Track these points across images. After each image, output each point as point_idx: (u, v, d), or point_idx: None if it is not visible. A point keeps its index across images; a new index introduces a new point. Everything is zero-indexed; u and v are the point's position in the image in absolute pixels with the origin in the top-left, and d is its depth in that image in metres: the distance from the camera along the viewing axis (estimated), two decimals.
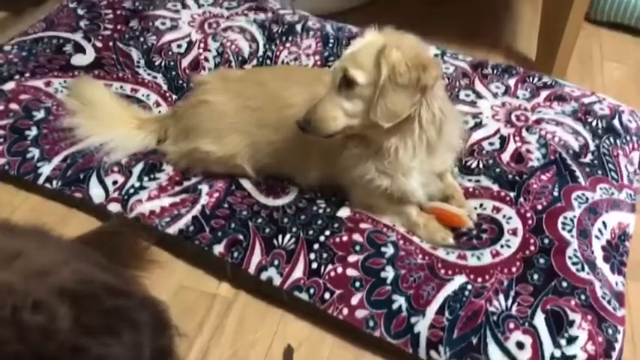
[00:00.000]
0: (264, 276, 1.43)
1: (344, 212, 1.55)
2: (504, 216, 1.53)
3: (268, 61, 2.06)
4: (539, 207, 1.53)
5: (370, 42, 1.38)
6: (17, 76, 1.88)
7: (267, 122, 1.57)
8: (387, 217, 1.54)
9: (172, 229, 1.52)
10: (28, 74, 1.90)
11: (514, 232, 1.48)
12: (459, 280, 1.38)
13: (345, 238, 1.47)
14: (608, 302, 1.34)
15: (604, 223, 1.52)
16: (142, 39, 2.06)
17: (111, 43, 2.03)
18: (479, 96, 1.90)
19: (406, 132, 1.40)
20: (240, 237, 1.49)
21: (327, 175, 1.58)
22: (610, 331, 1.29)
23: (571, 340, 1.27)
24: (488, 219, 1.53)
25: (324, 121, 1.36)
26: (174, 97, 1.95)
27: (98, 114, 1.71)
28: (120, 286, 1.06)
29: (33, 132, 1.74)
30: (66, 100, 1.79)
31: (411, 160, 1.43)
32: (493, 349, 1.26)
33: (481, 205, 1.57)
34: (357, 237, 1.48)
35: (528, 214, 1.51)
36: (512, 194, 1.58)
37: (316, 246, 1.46)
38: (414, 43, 1.38)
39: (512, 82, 1.96)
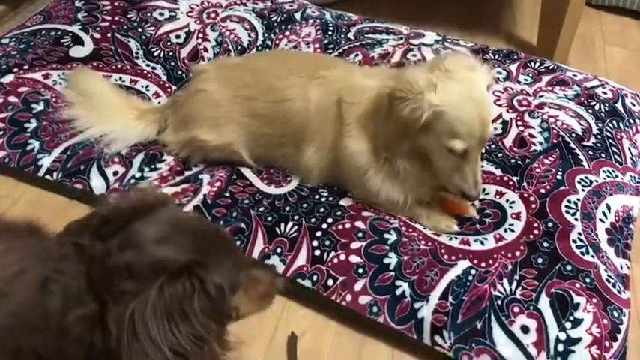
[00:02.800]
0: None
1: (346, 201, 1.54)
2: (507, 200, 1.52)
3: (268, 50, 2.05)
4: (543, 191, 1.52)
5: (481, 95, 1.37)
6: (16, 69, 1.87)
7: (261, 114, 1.56)
8: (389, 210, 1.54)
9: None
10: (26, 66, 1.88)
11: (517, 217, 1.47)
12: (463, 264, 1.37)
13: (347, 226, 1.46)
14: (613, 285, 1.33)
15: (608, 206, 1.51)
16: (140, 30, 2.05)
17: (109, 35, 2.02)
18: None
19: None
20: (243, 226, 1.48)
21: (327, 174, 1.57)
22: (615, 314, 1.28)
23: (576, 322, 1.26)
24: (492, 204, 1.52)
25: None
26: (173, 87, 1.94)
27: (98, 105, 1.70)
28: None
29: (32, 124, 1.73)
30: (65, 92, 1.78)
31: None
32: (498, 333, 1.26)
33: (484, 191, 1.55)
34: (359, 224, 1.47)
35: (532, 199, 1.50)
36: (515, 179, 1.57)
37: (319, 233, 1.45)
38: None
39: (513, 67, 1.95)
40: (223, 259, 0.92)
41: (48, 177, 1.63)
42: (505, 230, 1.44)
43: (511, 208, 1.50)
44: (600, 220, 1.47)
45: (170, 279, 0.82)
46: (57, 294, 0.84)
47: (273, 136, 1.56)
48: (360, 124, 1.46)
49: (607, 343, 1.24)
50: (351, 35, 2.07)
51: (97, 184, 1.61)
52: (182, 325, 0.82)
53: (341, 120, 1.47)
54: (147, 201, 0.94)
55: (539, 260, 1.37)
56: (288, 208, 1.52)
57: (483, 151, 1.40)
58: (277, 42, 2.05)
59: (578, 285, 1.31)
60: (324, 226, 1.47)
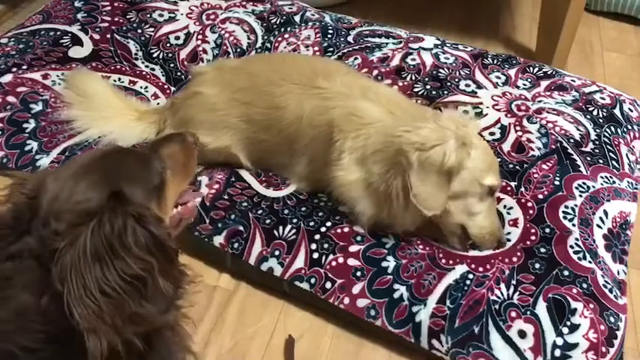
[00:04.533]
0: (264, 267, 1.42)
1: (346, 207, 1.53)
2: (505, 206, 1.52)
3: (267, 53, 2.05)
4: (541, 196, 1.52)
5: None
6: (14, 69, 1.86)
7: (256, 119, 1.55)
8: None
9: None
10: (25, 66, 1.88)
11: (515, 223, 1.47)
12: (460, 269, 1.37)
13: (346, 229, 1.47)
14: (610, 291, 1.33)
15: (605, 211, 1.51)
16: (139, 31, 2.05)
17: (109, 36, 2.02)
18: (479, 86, 1.88)
19: None
20: (241, 228, 1.48)
21: (320, 188, 1.56)
22: (612, 320, 1.29)
23: (573, 328, 1.26)
24: None
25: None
26: (172, 89, 1.93)
27: (96, 106, 1.70)
28: None
29: (31, 124, 1.73)
30: (64, 93, 1.77)
31: None
32: (495, 338, 1.26)
33: None
34: (358, 228, 1.47)
35: (529, 204, 1.51)
36: (513, 184, 1.57)
37: (317, 236, 1.45)
38: None
39: (512, 72, 1.95)
40: (133, 169, 0.95)
41: None
42: None
43: (509, 214, 1.50)
44: (598, 225, 1.47)
45: (95, 222, 0.82)
46: (21, 292, 0.85)
47: (269, 143, 1.56)
48: (354, 156, 1.42)
49: (604, 349, 1.24)
50: (350, 38, 2.07)
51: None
52: (115, 264, 0.81)
53: (331, 144, 1.45)
54: (33, 182, 0.94)
55: (537, 266, 1.37)
56: (286, 211, 1.52)
57: None
58: (277, 44, 2.05)
59: (575, 290, 1.32)
60: (323, 229, 1.47)
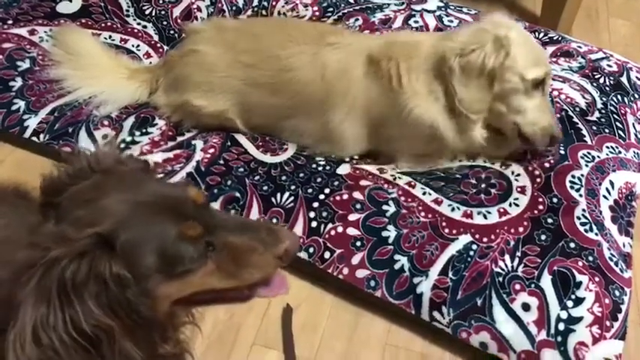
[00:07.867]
0: None
1: (343, 169, 1.50)
2: (513, 172, 1.48)
3: (264, 12, 1.97)
4: (547, 165, 1.48)
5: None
6: None
7: (263, 82, 1.49)
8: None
9: None
10: (10, 21, 1.80)
11: (522, 190, 1.43)
12: (464, 239, 1.34)
13: (345, 197, 1.42)
14: (616, 264, 1.31)
15: (611, 182, 1.48)
16: None
17: None
18: None
19: None
20: (237, 195, 1.43)
21: (366, 134, 1.50)
22: (617, 293, 1.26)
23: (578, 301, 1.24)
24: (497, 174, 1.48)
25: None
26: (165, 48, 1.86)
27: (86, 64, 1.63)
28: None
29: (18, 83, 1.66)
30: (52, 50, 1.70)
31: None
32: (498, 311, 1.23)
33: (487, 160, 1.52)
34: (357, 195, 1.43)
35: (537, 172, 1.46)
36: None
37: (316, 204, 1.41)
38: None
39: None
40: (160, 229, 0.74)
41: (34, 139, 1.57)
42: (510, 205, 1.40)
43: (516, 180, 1.46)
44: (604, 196, 1.44)
45: (63, 257, 0.68)
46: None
47: (280, 107, 1.50)
48: (413, 77, 1.41)
49: (608, 323, 1.22)
50: None
51: (86, 147, 1.54)
52: (64, 310, 0.66)
53: (382, 77, 1.43)
54: (101, 164, 0.82)
55: (543, 237, 1.34)
56: (284, 178, 1.47)
57: None
58: (274, 3, 1.97)
59: (580, 263, 1.29)
60: (322, 196, 1.42)
